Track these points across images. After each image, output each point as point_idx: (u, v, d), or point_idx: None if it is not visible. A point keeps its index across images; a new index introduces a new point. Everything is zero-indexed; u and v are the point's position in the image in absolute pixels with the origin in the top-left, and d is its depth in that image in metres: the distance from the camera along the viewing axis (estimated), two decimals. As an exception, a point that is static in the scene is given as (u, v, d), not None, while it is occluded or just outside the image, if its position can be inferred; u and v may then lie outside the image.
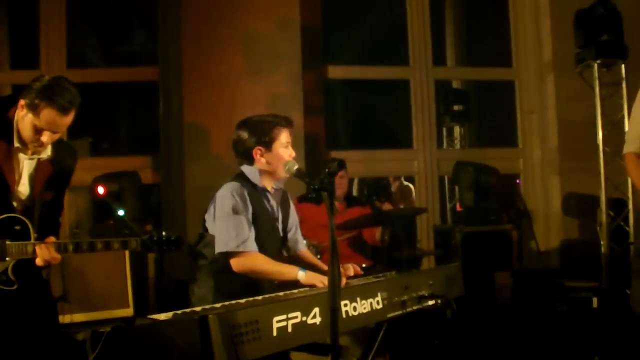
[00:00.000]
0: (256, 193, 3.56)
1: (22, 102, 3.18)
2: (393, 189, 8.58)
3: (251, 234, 3.45)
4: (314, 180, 2.79)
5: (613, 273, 6.40)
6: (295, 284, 3.37)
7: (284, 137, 3.53)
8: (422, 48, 7.80)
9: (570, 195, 7.40)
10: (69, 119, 3.20)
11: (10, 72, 7.78)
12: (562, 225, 7.46)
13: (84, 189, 6.89)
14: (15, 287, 3.28)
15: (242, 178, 3.58)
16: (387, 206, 7.06)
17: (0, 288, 3.23)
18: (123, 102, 8.23)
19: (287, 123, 3.58)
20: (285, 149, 3.53)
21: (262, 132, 3.53)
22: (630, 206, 6.50)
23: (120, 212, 6.02)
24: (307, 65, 6.96)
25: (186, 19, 6.70)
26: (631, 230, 6.41)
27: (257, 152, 3.54)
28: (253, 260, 3.42)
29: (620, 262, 6.29)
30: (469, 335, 5.36)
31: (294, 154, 3.54)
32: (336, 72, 7.58)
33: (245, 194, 3.48)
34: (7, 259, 3.22)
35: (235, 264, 3.42)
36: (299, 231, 3.90)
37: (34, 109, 3.13)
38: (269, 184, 3.61)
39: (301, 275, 3.34)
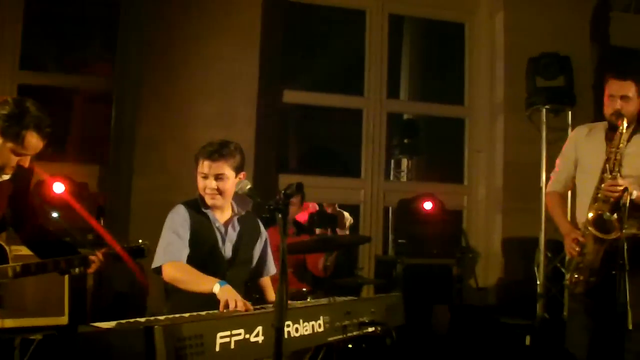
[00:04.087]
0: (200, 216, 3.63)
1: None
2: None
3: (183, 251, 3.51)
4: (270, 200, 2.83)
5: (548, 312, 6.59)
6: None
7: (203, 167, 3.57)
8: (377, 80, 7.91)
9: (511, 234, 7.55)
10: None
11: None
12: (501, 264, 7.60)
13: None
14: None
15: (193, 200, 3.67)
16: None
17: None
18: (74, 109, 8.14)
19: (207, 154, 3.56)
20: (202, 179, 3.59)
21: (196, 155, 3.64)
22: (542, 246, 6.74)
23: (55, 215, 6.00)
24: (263, 88, 7.01)
25: (148, 33, 6.70)
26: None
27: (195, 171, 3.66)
28: (178, 266, 3.46)
29: (556, 302, 6.47)
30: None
31: (213, 187, 3.56)
32: (291, 97, 7.65)
33: (187, 215, 3.58)
34: None
35: (164, 271, 3.48)
36: (268, 259, 3.94)
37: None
38: (218, 209, 3.67)
39: (217, 287, 3.28)
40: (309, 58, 9.42)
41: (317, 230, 6.66)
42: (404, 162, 9.41)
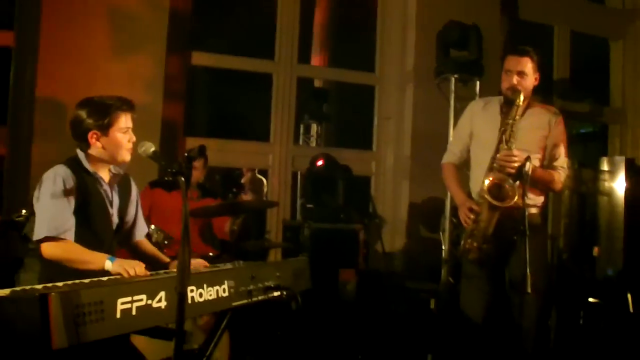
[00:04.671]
0: (87, 178, 3.42)
1: None
2: (245, 179, 8.57)
3: (69, 222, 3.29)
4: (172, 164, 2.76)
5: (453, 277, 6.74)
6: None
7: (123, 121, 3.43)
8: (288, 44, 7.85)
9: (417, 200, 7.68)
10: None
11: None
12: (407, 229, 7.73)
13: None
14: None
15: (74, 161, 3.44)
16: (241, 198, 7.05)
17: None
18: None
19: (129, 107, 3.46)
20: (123, 134, 3.44)
21: (100, 114, 3.39)
22: (447, 212, 6.85)
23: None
24: (172, 49, 6.84)
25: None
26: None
27: (92, 135, 3.41)
28: (62, 247, 3.24)
29: (460, 267, 6.63)
30: (312, 328, 5.47)
31: (134, 139, 3.45)
32: (200, 59, 7.47)
33: (72, 178, 3.33)
34: None
35: (45, 249, 3.25)
36: (140, 219, 3.80)
37: None
38: (102, 169, 3.51)
39: (108, 264, 3.16)
40: (220, 20, 9.24)
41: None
42: (314, 127, 9.40)
